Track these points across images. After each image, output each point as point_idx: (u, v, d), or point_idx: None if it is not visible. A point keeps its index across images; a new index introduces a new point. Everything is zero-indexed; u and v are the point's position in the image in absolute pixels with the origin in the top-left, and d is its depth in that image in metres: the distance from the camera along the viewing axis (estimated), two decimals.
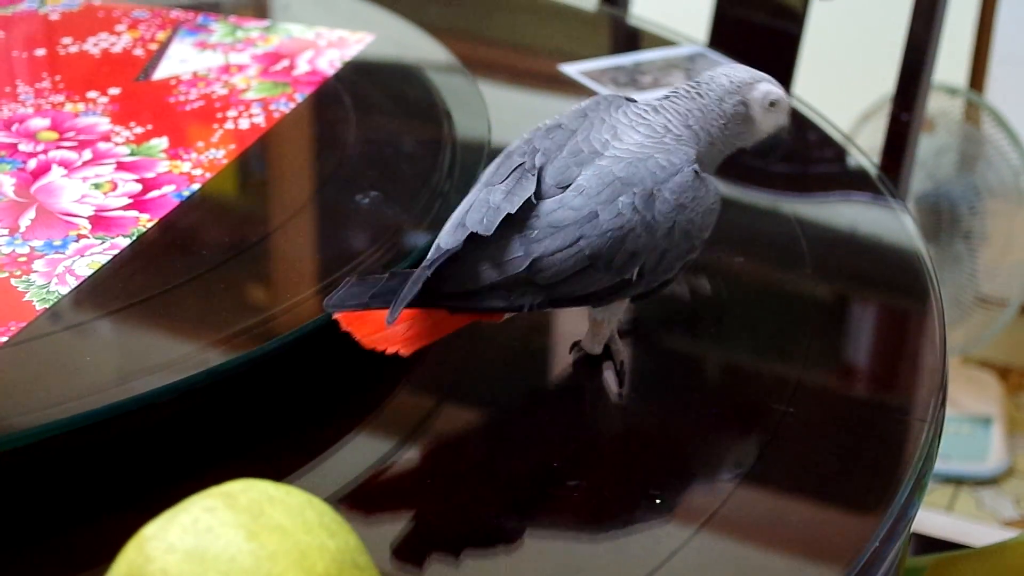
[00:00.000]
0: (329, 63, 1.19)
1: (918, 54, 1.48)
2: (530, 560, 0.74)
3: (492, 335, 0.92)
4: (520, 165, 0.83)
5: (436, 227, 0.93)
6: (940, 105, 2.05)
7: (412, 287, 0.77)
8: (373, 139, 1.09)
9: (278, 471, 0.78)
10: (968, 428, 2.09)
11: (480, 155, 1.03)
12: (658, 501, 0.78)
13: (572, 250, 0.80)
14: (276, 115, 1.10)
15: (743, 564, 0.75)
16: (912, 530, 1.31)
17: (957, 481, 2.04)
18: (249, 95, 1.13)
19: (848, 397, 0.89)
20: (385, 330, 0.78)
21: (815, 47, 1.65)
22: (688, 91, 0.87)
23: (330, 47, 1.22)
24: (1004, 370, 2.26)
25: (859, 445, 0.84)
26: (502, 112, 1.17)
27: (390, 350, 0.79)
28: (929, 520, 1.93)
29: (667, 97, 0.87)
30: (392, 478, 0.79)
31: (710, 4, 1.60)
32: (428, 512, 0.77)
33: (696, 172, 0.83)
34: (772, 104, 0.87)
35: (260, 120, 1.09)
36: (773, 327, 0.94)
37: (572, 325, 0.94)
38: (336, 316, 0.79)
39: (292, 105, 1.12)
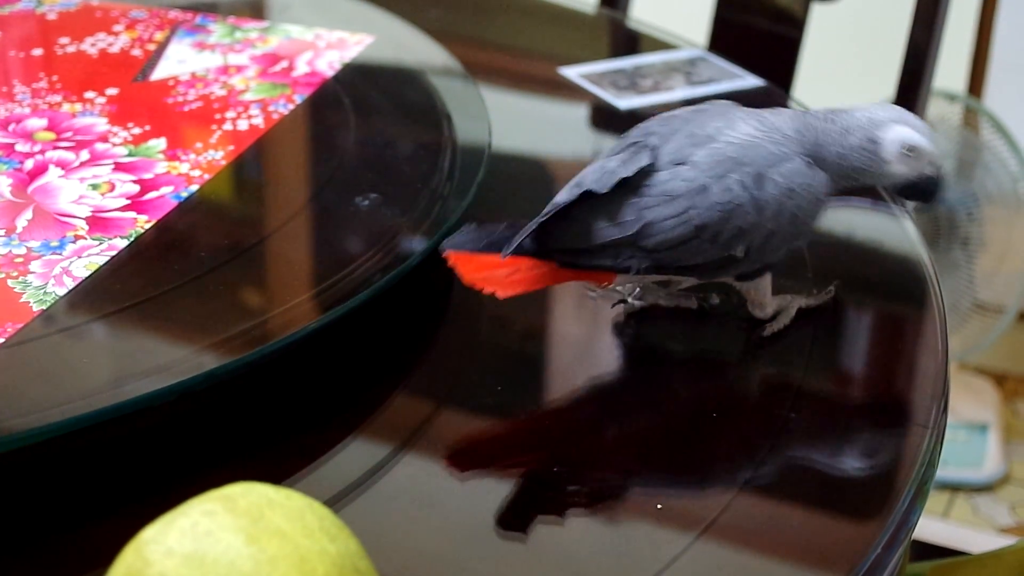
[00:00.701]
0: (328, 64, 1.18)
1: (918, 60, 1.48)
2: (530, 566, 0.73)
3: (490, 340, 0.92)
4: (636, 143, 0.86)
5: (436, 229, 0.93)
6: (939, 111, 2.05)
7: (525, 232, 0.82)
8: (372, 141, 1.09)
9: (277, 474, 0.78)
10: (964, 435, 2.09)
11: (480, 158, 1.02)
12: (659, 507, 0.77)
13: (680, 219, 0.83)
14: (275, 116, 1.09)
15: (743, 571, 0.74)
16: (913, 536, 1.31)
17: (953, 488, 2.04)
18: (248, 96, 1.13)
19: (849, 403, 0.89)
20: (488, 272, 0.84)
21: (815, 52, 1.65)
22: (820, 113, 0.88)
23: (329, 48, 1.21)
24: (1001, 377, 2.25)
25: (863, 451, 0.84)
26: (502, 115, 1.16)
27: (488, 290, 0.84)
28: (925, 526, 1.92)
29: (793, 115, 0.88)
30: (391, 482, 0.78)
31: (710, 8, 1.60)
32: (427, 517, 0.76)
33: (807, 162, 0.86)
34: (909, 150, 0.86)
35: (259, 121, 1.08)
36: (774, 333, 0.94)
37: (570, 331, 0.93)
38: (446, 254, 0.84)
39: (291, 106, 1.11)
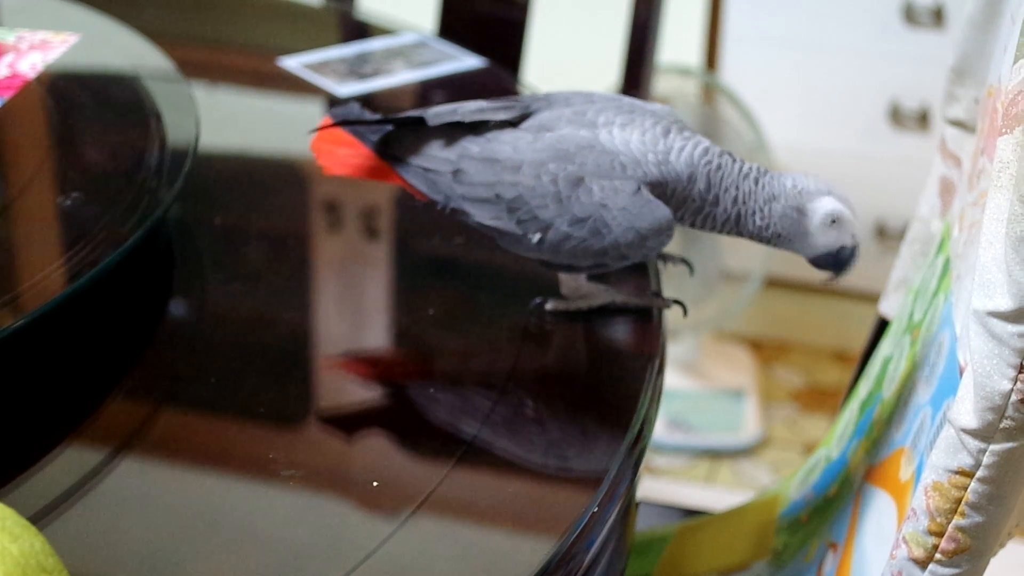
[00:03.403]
0: (31, 66, 1.15)
1: (641, 35, 1.50)
2: (247, 555, 0.72)
3: (208, 335, 0.91)
4: (518, 103, 0.88)
5: (142, 224, 0.91)
6: (675, 85, 2.09)
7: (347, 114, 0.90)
8: (76, 141, 1.06)
9: None
10: (723, 402, 2.13)
11: (187, 152, 1.00)
12: (375, 484, 0.77)
13: (486, 180, 0.86)
14: None
15: (459, 540, 0.74)
16: (673, 503, 1.33)
17: (715, 454, 2.08)
18: None
19: (567, 370, 0.90)
20: (333, 146, 0.89)
21: (543, 32, 1.66)
22: (750, 169, 0.86)
23: (32, 50, 1.18)
24: (756, 343, 2.31)
25: (579, 414, 0.84)
26: (215, 109, 1.15)
27: (320, 162, 0.90)
28: (689, 493, 1.96)
29: (721, 153, 0.86)
30: (110, 485, 0.77)
31: None
32: (145, 516, 0.75)
33: (643, 190, 0.84)
34: (833, 221, 0.85)
35: None
36: (492, 306, 0.94)
37: (287, 320, 0.92)
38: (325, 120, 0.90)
39: None
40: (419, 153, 0.87)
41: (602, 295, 0.92)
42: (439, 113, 0.88)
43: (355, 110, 0.90)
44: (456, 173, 0.86)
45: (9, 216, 0.95)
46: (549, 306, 0.91)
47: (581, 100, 0.88)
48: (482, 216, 0.87)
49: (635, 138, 0.85)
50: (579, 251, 0.86)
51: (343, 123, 0.89)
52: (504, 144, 0.86)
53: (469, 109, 0.88)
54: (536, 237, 0.86)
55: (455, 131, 0.87)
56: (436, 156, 0.87)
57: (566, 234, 0.85)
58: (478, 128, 0.87)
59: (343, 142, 0.89)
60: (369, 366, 0.89)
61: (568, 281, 0.91)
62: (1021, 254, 0.71)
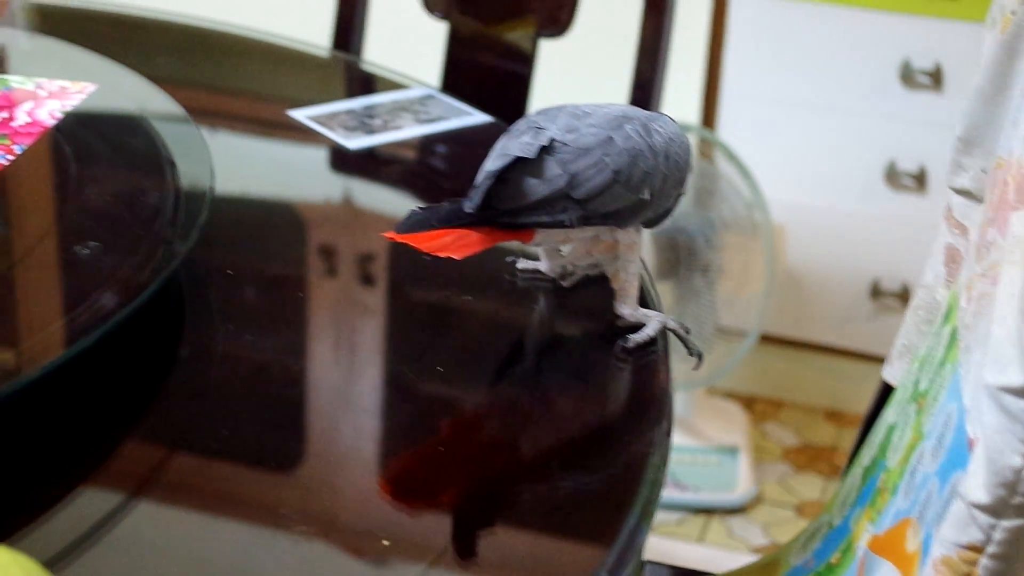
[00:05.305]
0: (49, 114, 1.15)
1: (644, 91, 1.52)
2: None
3: (218, 383, 0.91)
4: (531, 127, 0.94)
5: (158, 273, 0.92)
6: None
7: (470, 202, 0.89)
8: (94, 189, 1.07)
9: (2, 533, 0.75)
10: (715, 459, 2.14)
11: (203, 201, 1.01)
12: (385, 543, 0.77)
13: (599, 167, 0.92)
14: None
15: None
16: (665, 562, 1.33)
17: (708, 511, 2.08)
18: None
19: (574, 430, 0.90)
20: (438, 241, 0.89)
21: (546, 86, 1.68)
22: None
23: (51, 98, 1.19)
24: (749, 400, 2.31)
25: (589, 477, 0.85)
26: (228, 158, 1.16)
27: (444, 254, 0.89)
28: (681, 551, 1.96)
29: None
30: (123, 532, 0.77)
31: (442, 48, 1.61)
32: (158, 564, 0.75)
33: (672, 120, 0.96)
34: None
35: None
36: (500, 361, 0.95)
37: (297, 370, 0.93)
38: (391, 236, 0.89)
39: (11, 158, 1.08)
40: (523, 194, 0.91)
41: (657, 320, 0.98)
42: (499, 165, 0.90)
43: (422, 214, 0.90)
44: (571, 180, 0.91)
45: (28, 264, 0.96)
46: (630, 344, 0.96)
47: (555, 111, 0.95)
48: (606, 205, 0.93)
49: (621, 106, 0.96)
50: (671, 189, 0.96)
51: (438, 225, 0.90)
52: (578, 141, 0.92)
53: (518, 147, 0.91)
54: (648, 192, 0.94)
55: (531, 164, 0.91)
56: (543, 182, 0.91)
57: (664, 175, 0.94)
58: (543, 152, 0.91)
59: (442, 234, 0.90)
60: (380, 418, 0.90)
61: (623, 286, 0.97)
62: None
